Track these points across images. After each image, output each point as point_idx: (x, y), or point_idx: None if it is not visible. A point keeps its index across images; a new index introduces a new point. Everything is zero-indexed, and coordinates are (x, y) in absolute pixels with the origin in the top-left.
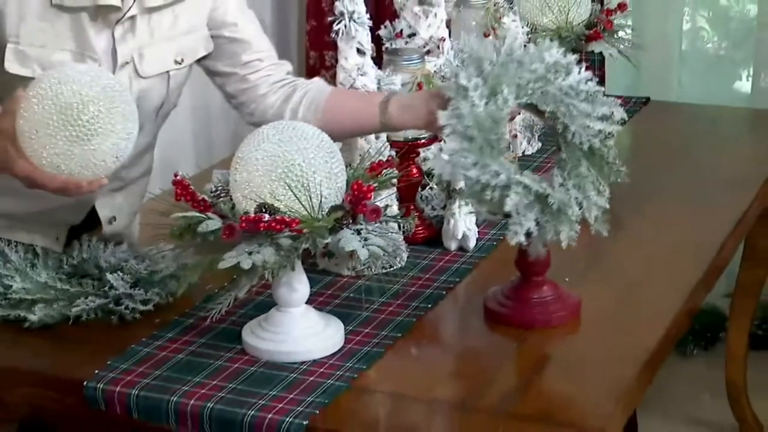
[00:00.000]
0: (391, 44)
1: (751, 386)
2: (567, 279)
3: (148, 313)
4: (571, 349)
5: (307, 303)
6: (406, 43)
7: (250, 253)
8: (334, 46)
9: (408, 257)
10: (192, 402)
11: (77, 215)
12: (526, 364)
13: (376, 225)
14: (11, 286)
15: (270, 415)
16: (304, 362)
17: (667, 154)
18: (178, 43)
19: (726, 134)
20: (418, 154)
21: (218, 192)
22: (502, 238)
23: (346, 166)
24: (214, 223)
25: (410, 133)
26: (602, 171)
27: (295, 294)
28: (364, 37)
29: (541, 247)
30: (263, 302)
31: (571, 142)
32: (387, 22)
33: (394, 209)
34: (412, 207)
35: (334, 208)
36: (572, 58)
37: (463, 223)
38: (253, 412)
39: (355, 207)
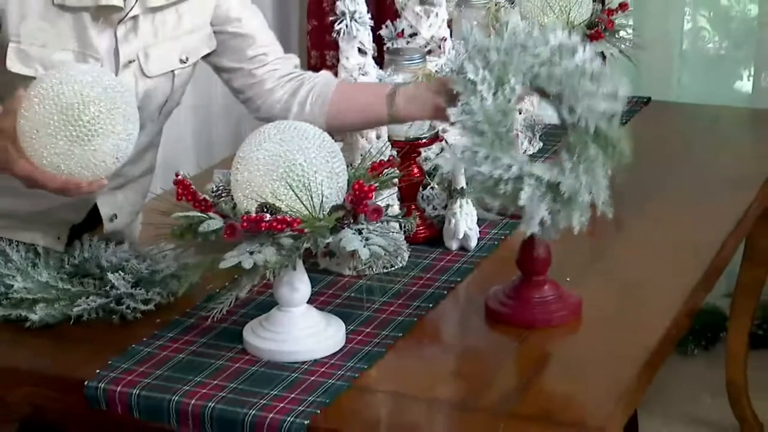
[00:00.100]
0: (392, 44)
1: (752, 386)
2: (568, 279)
3: (150, 312)
4: (572, 348)
5: (308, 303)
6: (408, 42)
7: (251, 253)
8: (335, 46)
9: (409, 257)
10: (193, 402)
11: (79, 214)
12: (526, 363)
13: (378, 225)
14: (12, 285)
15: (271, 415)
16: (305, 362)
17: (668, 154)
18: (183, 42)
19: (727, 134)
20: (419, 153)
21: (219, 192)
22: (503, 237)
23: (348, 166)
24: (215, 222)
25: (411, 133)
26: (607, 153)
27: (297, 294)
28: (366, 37)
29: (554, 234)
30: (264, 302)
31: (578, 125)
32: (388, 22)
33: (396, 209)
34: (413, 207)
35: (335, 208)
36: (577, 38)
37: (465, 223)
38: (254, 411)
39: (356, 207)
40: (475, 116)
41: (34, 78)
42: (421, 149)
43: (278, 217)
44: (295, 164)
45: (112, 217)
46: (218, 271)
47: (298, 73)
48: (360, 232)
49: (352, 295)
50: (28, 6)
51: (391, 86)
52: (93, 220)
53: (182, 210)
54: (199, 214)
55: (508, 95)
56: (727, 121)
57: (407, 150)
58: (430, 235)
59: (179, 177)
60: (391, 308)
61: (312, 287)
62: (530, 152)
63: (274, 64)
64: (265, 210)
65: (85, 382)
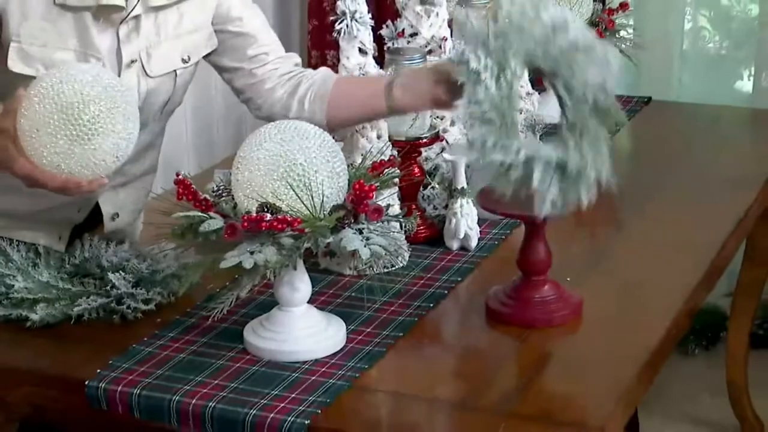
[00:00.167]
0: (392, 44)
1: (752, 385)
2: (568, 278)
3: (150, 312)
4: (572, 348)
5: (308, 302)
6: (408, 42)
7: (251, 253)
8: (336, 46)
9: (410, 257)
10: (194, 401)
11: (81, 213)
12: (527, 363)
13: (378, 224)
14: (13, 285)
15: (272, 415)
16: (306, 362)
17: (668, 154)
18: (185, 41)
19: (727, 134)
20: (420, 153)
21: (220, 191)
22: (503, 237)
23: (348, 166)
24: (215, 222)
25: (412, 133)
26: (606, 124)
27: (297, 293)
28: (366, 37)
29: (563, 212)
30: (265, 302)
31: (576, 101)
32: (389, 22)
33: (396, 208)
34: (413, 206)
35: (335, 208)
36: (568, 12)
37: (465, 223)
38: (254, 411)
39: (357, 206)
40: (482, 106)
41: (35, 78)
42: (422, 149)
43: (279, 216)
44: (295, 164)
45: (114, 216)
46: (219, 271)
47: (297, 72)
48: (360, 231)
49: (353, 294)
50: (29, 6)
51: (387, 79)
52: (94, 220)
53: (183, 210)
54: (199, 213)
55: (510, 80)
56: (727, 121)
57: (408, 150)
58: (431, 234)
59: (180, 177)
60: (392, 308)
61: (312, 287)
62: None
63: (275, 64)
64: (266, 210)
65: (86, 382)
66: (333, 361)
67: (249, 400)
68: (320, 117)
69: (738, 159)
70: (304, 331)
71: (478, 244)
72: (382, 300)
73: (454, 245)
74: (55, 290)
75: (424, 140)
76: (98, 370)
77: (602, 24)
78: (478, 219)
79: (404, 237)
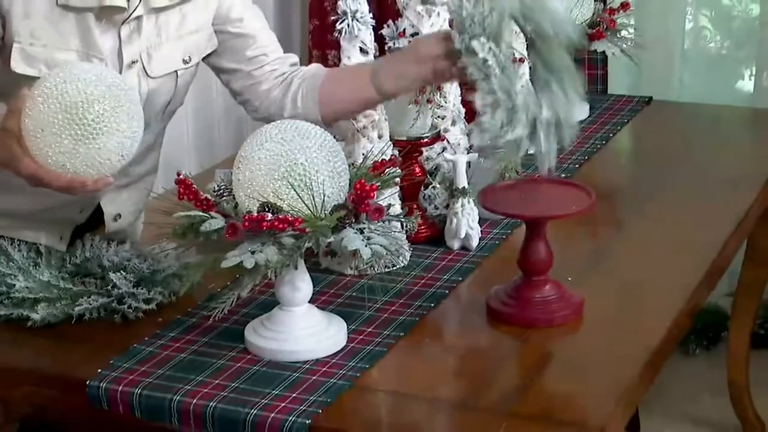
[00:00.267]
0: (393, 43)
1: (753, 385)
2: (569, 278)
3: (151, 312)
4: (573, 348)
5: (309, 302)
6: (409, 42)
7: (252, 252)
8: (336, 46)
9: (411, 256)
10: (195, 401)
11: (82, 214)
12: (528, 363)
13: (379, 224)
14: (14, 285)
15: (273, 414)
16: (307, 361)
17: (669, 154)
18: (186, 42)
19: (728, 134)
20: (420, 153)
21: (221, 191)
22: (504, 237)
23: (349, 165)
24: (216, 222)
25: (413, 132)
26: (571, 57)
27: (298, 293)
28: (367, 37)
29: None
30: (266, 301)
31: (550, 46)
32: (390, 22)
33: (397, 208)
34: (414, 206)
35: (336, 207)
36: None
37: (466, 222)
38: (255, 411)
39: (358, 206)
40: (495, 94)
41: (38, 78)
42: (423, 149)
43: (280, 216)
44: (296, 164)
45: (116, 217)
46: (220, 271)
47: (289, 72)
48: (361, 231)
49: (354, 294)
50: (32, 6)
51: (369, 69)
52: (95, 220)
53: (184, 209)
54: (200, 213)
55: (507, 52)
56: (728, 120)
57: (409, 149)
58: (432, 234)
59: (181, 176)
60: (393, 308)
61: (313, 287)
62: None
63: (273, 65)
64: (267, 209)
65: (87, 382)
66: (334, 360)
67: (250, 399)
68: (314, 113)
69: (739, 159)
70: (305, 330)
71: (479, 243)
72: (383, 300)
73: (455, 245)
74: (56, 290)
75: (425, 140)
76: (99, 370)
77: (603, 24)
78: (479, 219)
79: (405, 237)
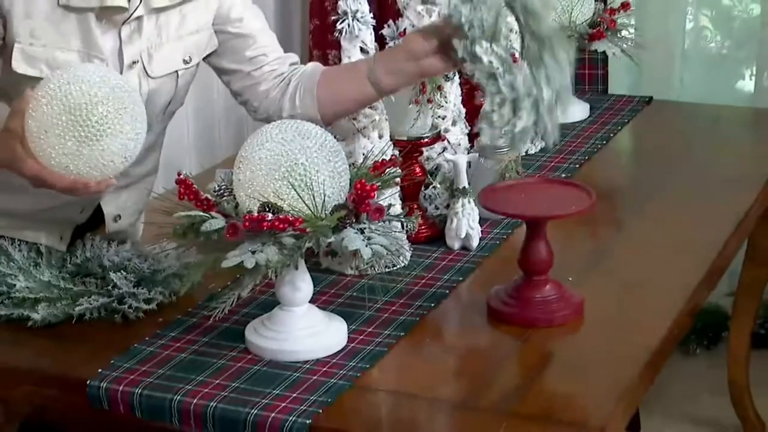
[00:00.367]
0: (394, 43)
1: (754, 385)
2: (570, 278)
3: (152, 312)
4: (573, 348)
5: (310, 302)
6: None
7: (253, 252)
8: (337, 45)
9: (411, 256)
10: (195, 401)
11: (83, 214)
12: (528, 363)
13: (380, 224)
14: (14, 284)
15: (273, 414)
16: (307, 361)
17: (669, 154)
18: (186, 42)
19: (728, 134)
20: (421, 153)
21: (221, 191)
22: (505, 237)
23: (350, 165)
24: (217, 222)
25: (414, 132)
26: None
27: (299, 293)
28: (368, 36)
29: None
30: (266, 301)
31: (536, 19)
32: (390, 21)
33: (398, 208)
34: (415, 206)
35: (337, 207)
36: None
37: (466, 222)
38: (256, 411)
39: (358, 206)
40: (503, 93)
41: (39, 78)
42: (424, 149)
43: (280, 216)
44: (297, 164)
45: (116, 217)
46: (220, 271)
47: (289, 71)
48: (362, 231)
49: (354, 294)
50: (33, 7)
51: (365, 66)
52: (95, 220)
53: (184, 209)
54: (201, 213)
55: (506, 47)
56: (728, 120)
57: (409, 149)
58: (432, 234)
59: (181, 176)
60: (393, 308)
61: (314, 286)
62: (532, 152)
63: (272, 65)
64: (267, 209)
65: (87, 382)
66: (334, 360)
67: (250, 399)
68: (313, 111)
69: (739, 159)
70: (305, 330)
71: (479, 243)
72: (383, 300)
73: (456, 245)
74: (57, 290)
75: (426, 140)
76: (99, 370)
77: (604, 23)
78: (480, 219)
79: (405, 237)
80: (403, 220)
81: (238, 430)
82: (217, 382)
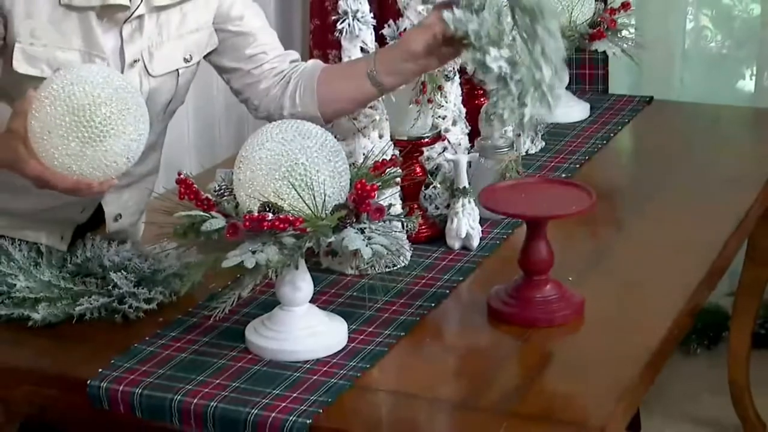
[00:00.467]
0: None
1: (754, 385)
2: (570, 278)
3: (152, 311)
4: (574, 348)
5: (310, 302)
6: None
7: (253, 252)
8: (337, 45)
9: (411, 256)
10: (195, 401)
11: (83, 213)
12: (528, 363)
13: (380, 224)
14: (15, 284)
15: (273, 414)
16: (308, 361)
17: (670, 154)
18: (187, 41)
19: (729, 133)
20: (421, 152)
21: (222, 191)
22: (505, 237)
23: (350, 165)
24: (217, 222)
25: (414, 132)
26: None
27: (299, 293)
28: (368, 36)
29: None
30: (267, 301)
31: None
32: (390, 21)
33: (398, 208)
34: (415, 206)
35: (337, 207)
36: None
37: (467, 222)
38: (256, 410)
39: (358, 206)
40: (513, 93)
41: (40, 78)
42: (424, 148)
43: (281, 216)
44: (297, 163)
45: (117, 217)
46: (220, 271)
47: (289, 69)
48: (362, 231)
49: (355, 294)
50: (34, 6)
51: (365, 66)
52: (96, 219)
53: (185, 209)
54: (201, 213)
55: (510, 45)
56: (729, 120)
57: (410, 149)
58: (433, 234)
59: (182, 176)
60: (393, 307)
61: (314, 286)
62: (533, 152)
63: (272, 63)
64: (268, 209)
65: (88, 382)
66: (334, 360)
67: (251, 399)
68: (313, 110)
69: (739, 159)
70: (305, 330)
71: (479, 243)
72: (383, 299)
73: (456, 245)
74: (57, 290)
75: (426, 140)
76: (100, 370)
77: (604, 23)
78: (480, 218)
79: (406, 236)
80: (403, 220)
81: (238, 430)
82: (218, 382)
